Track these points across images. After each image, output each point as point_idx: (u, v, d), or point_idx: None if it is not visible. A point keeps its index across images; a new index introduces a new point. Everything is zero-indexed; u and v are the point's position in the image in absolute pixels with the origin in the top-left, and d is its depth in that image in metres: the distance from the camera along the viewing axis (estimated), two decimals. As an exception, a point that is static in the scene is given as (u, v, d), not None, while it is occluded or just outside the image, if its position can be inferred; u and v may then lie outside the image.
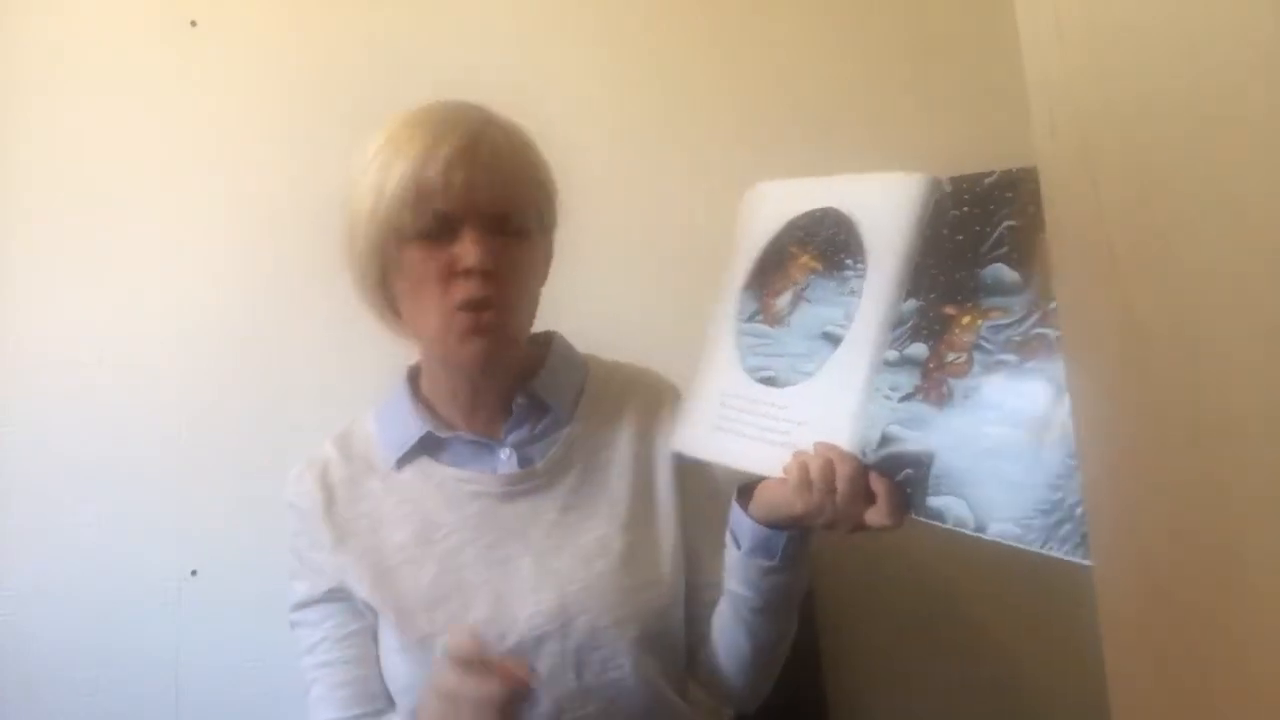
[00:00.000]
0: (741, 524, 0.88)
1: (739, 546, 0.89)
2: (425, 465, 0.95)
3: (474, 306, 0.86)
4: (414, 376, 0.99)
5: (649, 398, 1.00)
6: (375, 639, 0.93)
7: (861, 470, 0.78)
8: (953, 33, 1.32)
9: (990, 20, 1.26)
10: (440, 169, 0.84)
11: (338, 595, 0.93)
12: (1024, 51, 0.63)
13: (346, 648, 0.92)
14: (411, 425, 0.95)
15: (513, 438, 0.95)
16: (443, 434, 0.95)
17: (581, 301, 1.32)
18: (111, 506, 1.29)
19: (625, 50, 1.34)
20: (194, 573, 1.30)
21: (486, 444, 0.95)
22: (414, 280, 0.87)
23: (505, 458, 0.94)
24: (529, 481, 0.93)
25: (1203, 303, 0.42)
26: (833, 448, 0.79)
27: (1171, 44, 0.44)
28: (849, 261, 0.85)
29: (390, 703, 0.92)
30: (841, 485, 0.77)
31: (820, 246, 0.88)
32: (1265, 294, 0.37)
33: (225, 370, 1.30)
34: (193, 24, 1.31)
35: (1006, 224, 0.76)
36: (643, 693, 0.90)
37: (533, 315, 0.94)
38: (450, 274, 0.86)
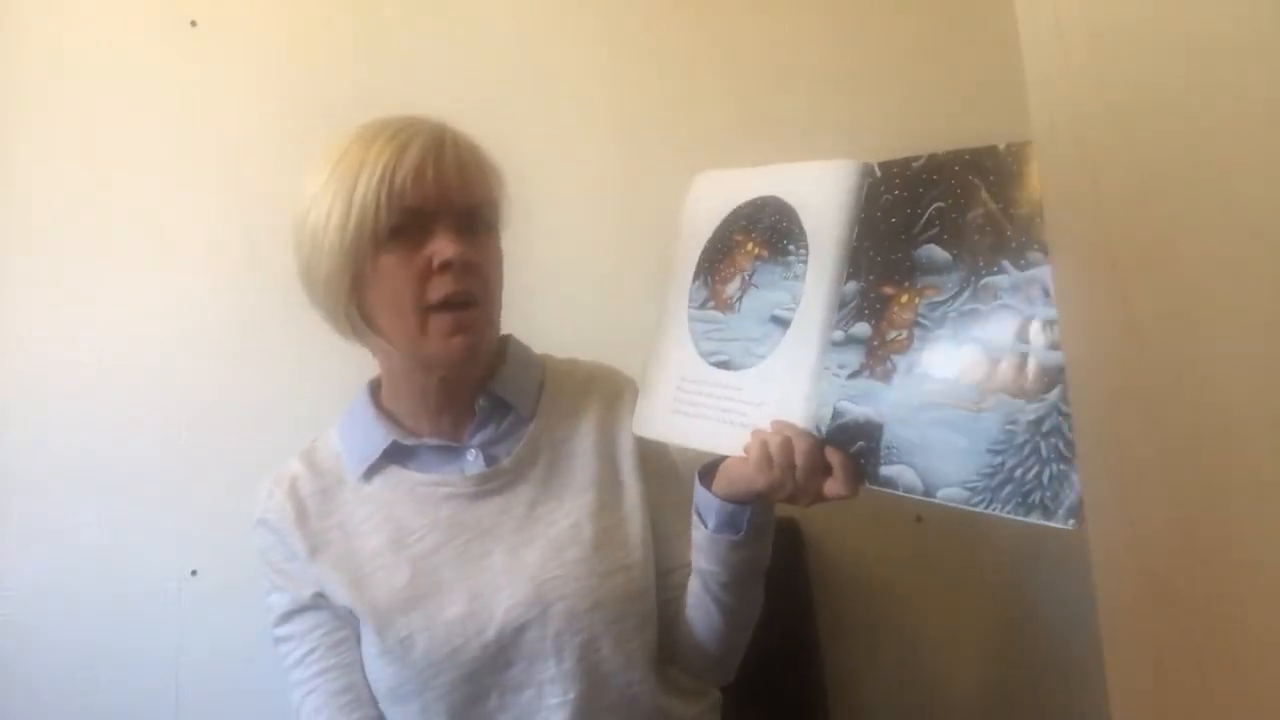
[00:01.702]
0: (707, 503, 0.91)
1: (706, 525, 0.92)
2: (393, 474, 0.96)
3: (455, 303, 0.88)
4: (375, 389, 1.00)
5: (608, 391, 1.03)
6: (360, 645, 0.93)
7: (817, 445, 0.82)
8: (953, 32, 1.32)
9: (989, 19, 1.26)
10: (410, 165, 0.86)
11: (321, 602, 0.93)
12: (1024, 52, 0.63)
13: (339, 654, 0.92)
14: (376, 436, 0.96)
15: (478, 439, 0.97)
16: (408, 442, 0.96)
17: (581, 299, 1.33)
18: (111, 506, 1.29)
19: (624, 50, 1.34)
20: (194, 573, 1.30)
21: (452, 448, 0.96)
22: (391, 283, 0.88)
23: (472, 459, 0.96)
24: (497, 480, 0.95)
25: (1202, 302, 0.42)
26: (790, 425, 0.83)
27: (1171, 44, 0.44)
28: (791, 247, 0.89)
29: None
30: (800, 460, 0.81)
31: (764, 234, 0.93)
32: (1265, 293, 0.37)
33: (225, 370, 1.30)
34: (193, 24, 1.31)
35: (935, 205, 0.81)
36: (624, 675, 0.92)
37: (500, 311, 0.96)
38: (427, 273, 0.88)
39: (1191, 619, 0.46)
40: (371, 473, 0.95)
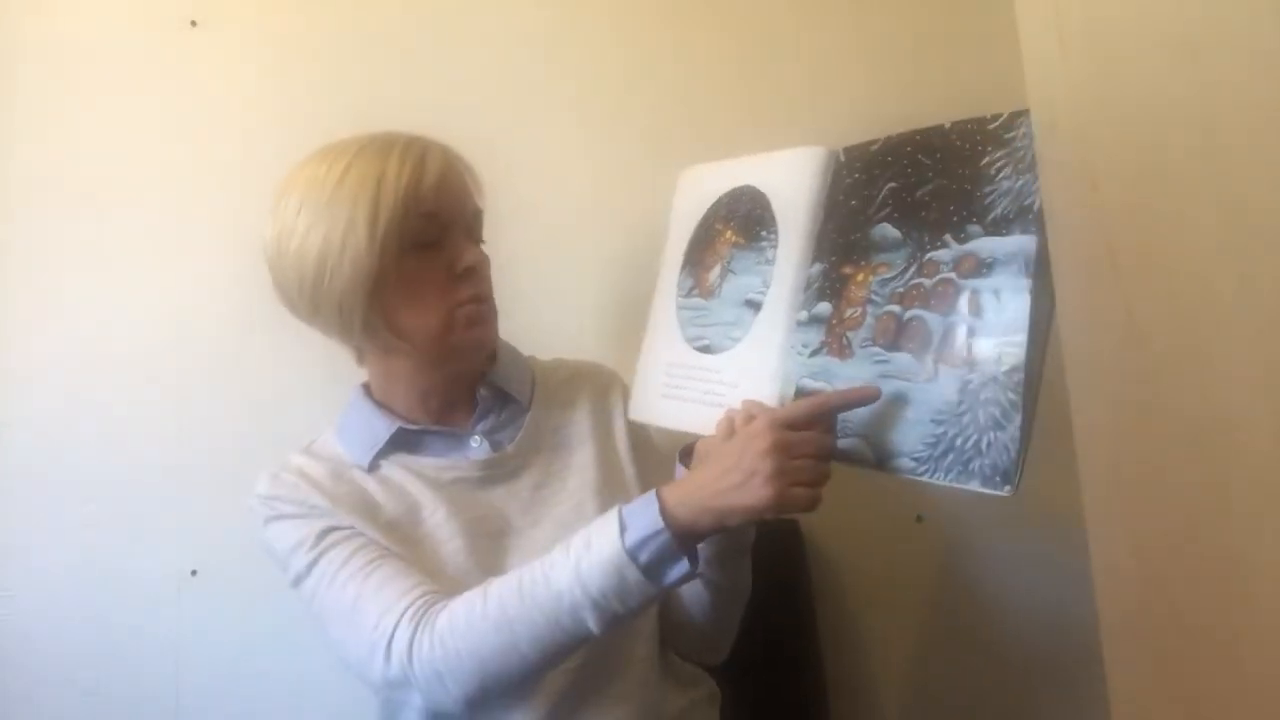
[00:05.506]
0: None
1: None
2: (399, 459, 0.97)
3: (477, 300, 0.94)
4: (367, 391, 1.01)
5: (597, 383, 1.08)
6: None
7: None
8: (952, 31, 1.32)
9: (989, 19, 1.26)
10: (434, 174, 0.90)
11: (359, 530, 0.90)
12: (1024, 52, 0.63)
13: (391, 557, 0.88)
14: (379, 427, 0.97)
15: (481, 426, 0.99)
16: (414, 428, 0.97)
17: (565, 300, 1.33)
18: (111, 506, 1.29)
19: (626, 49, 1.33)
20: (194, 573, 1.30)
21: (457, 434, 0.99)
22: (415, 285, 0.90)
23: (477, 445, 0.98)
24: (503, 465, 0.98)
25: (1203, 303, 0.42)
26: (756, 403, 0.85)
27: (1171, 45, 0.44)
28: (764, 233, 0.93)
29: None
30: None
31: (740, 222, 0.96)
32: (1265, 294, 0.37)
33: (224, 370, 1.30)
34: (193, 24, 1.30)
35: (888, 186, 0.84)
36: (631, 651, 0.96)
37: None
38: (449, 277, 0.92)
39: (1191, 619, 0.46)
40: (378, 460, 0.96)
